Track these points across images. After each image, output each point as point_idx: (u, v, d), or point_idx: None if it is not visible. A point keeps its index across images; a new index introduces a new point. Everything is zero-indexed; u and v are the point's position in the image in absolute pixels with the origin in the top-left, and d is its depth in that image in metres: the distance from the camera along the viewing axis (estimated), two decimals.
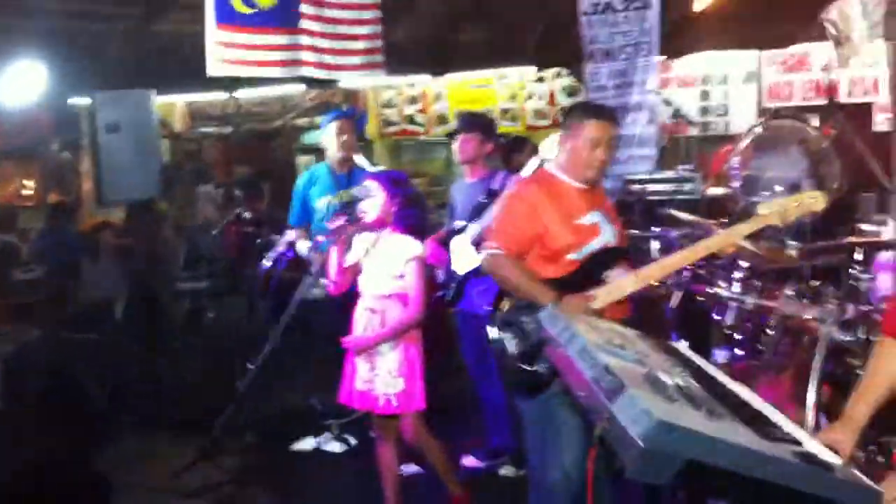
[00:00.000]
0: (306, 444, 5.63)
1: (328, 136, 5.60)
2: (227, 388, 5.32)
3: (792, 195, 3.40)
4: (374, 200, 4.18)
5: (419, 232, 4.32)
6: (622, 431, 1.87)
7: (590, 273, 3.51)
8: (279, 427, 5.82)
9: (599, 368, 2.18)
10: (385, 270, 4.18)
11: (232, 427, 5.19)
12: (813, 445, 2.12)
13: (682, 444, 1.81)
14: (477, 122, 5.31)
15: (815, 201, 3.44)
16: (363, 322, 4.21)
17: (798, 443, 2.09)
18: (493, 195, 4.87)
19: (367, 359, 4.16)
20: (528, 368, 3.48)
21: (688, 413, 1.96)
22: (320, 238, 4.55)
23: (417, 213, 4.39)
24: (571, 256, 3.53)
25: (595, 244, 3.56)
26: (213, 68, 6.04)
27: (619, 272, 3.51)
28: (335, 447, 5.57)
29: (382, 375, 4.12)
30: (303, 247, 5.51)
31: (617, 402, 1.96)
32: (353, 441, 5.57)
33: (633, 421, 1.86)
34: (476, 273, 4.70)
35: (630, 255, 3.82)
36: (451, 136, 5.38)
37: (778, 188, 5.60)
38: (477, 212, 4.89)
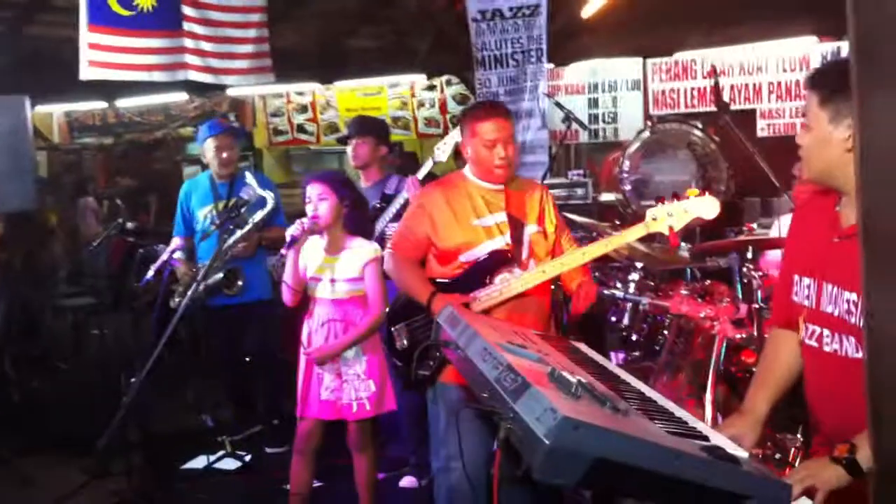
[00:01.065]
0: (197, 462, 5.39)
1: (207, 152, 5.46)
2: (112, 408, 5.07)
3: (681, 201, 3.29)
4: (324, 203, 4.05)
5: (369, 233, 4.28)
6: (527, 431, 1.79)
7: (478, 275, 3.48)
8: (168, 446, 5.57)
9: (502, 368, 2.10)
10: (342, 275, 4.06)
11: (118, 448, 4.94)
12: (719, 439, 2.10)
13: (590, 441, 1.73)
14: (370, 127, 5.22)
15: (706, 207, 3.23)
16: (324, 330, 4.07)
17: (705, 437, 2.06)
18: (387, 199, 4.82)
19: (332, 367, 4.04)
20: (399, 364, 3.66)
21: (593, 410, 1.90)
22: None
23: (366, 214, 4.32)
24: (463, 258, 3.51)
25: (490, 246, 3.51)
26: (86, 72, 5.73)
27: (511, 275, 3.46)
28: (228, 464, 5.34)
29: (351, 381, 4.02)
30: (179, 257, 5.34)
31: (521, 400, 1.88)
32: (247, 458, 5.38)
33: (537, 419, 1.78)
34: None
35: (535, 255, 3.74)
36: (343, 141, 5.27)
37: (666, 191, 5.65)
38: (372, 216, 4.80)
